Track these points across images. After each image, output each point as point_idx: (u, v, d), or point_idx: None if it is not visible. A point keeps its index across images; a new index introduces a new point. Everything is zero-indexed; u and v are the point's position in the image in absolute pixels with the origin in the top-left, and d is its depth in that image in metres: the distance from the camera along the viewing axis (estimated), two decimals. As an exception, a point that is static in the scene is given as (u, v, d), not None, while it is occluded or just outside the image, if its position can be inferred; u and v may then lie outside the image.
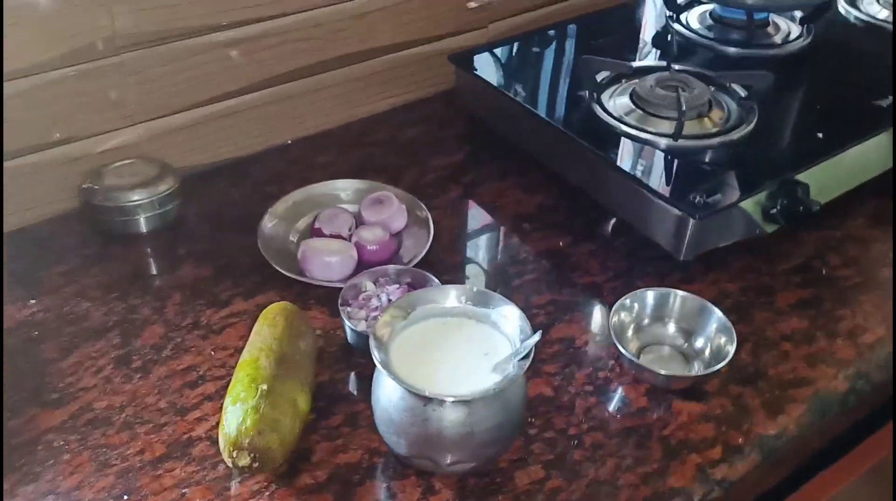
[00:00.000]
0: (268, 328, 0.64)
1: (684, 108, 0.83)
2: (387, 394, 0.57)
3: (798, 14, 1.06)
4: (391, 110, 1.03)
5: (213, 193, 0.88)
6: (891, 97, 0.90)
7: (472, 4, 1.03)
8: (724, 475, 0.62)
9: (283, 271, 0.76)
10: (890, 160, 0.89)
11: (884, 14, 1.09)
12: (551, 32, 1.06)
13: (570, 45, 1.05)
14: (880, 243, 0.84)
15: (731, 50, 1.01)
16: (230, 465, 0.57)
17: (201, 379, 0.68)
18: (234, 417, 0.56)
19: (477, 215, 0.88)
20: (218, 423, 0.62)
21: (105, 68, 0.80)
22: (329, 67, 0.95)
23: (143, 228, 0.82)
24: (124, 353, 0.70)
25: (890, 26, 1.06)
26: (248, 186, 0.90)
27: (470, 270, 0.82)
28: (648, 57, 1.02)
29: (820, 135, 0.85)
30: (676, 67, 0.92)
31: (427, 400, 0.55)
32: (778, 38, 1.03)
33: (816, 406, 0.68)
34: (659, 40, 1.06)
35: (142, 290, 0.76)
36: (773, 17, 1.05)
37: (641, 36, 1.07)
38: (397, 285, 0.73)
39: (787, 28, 1.05)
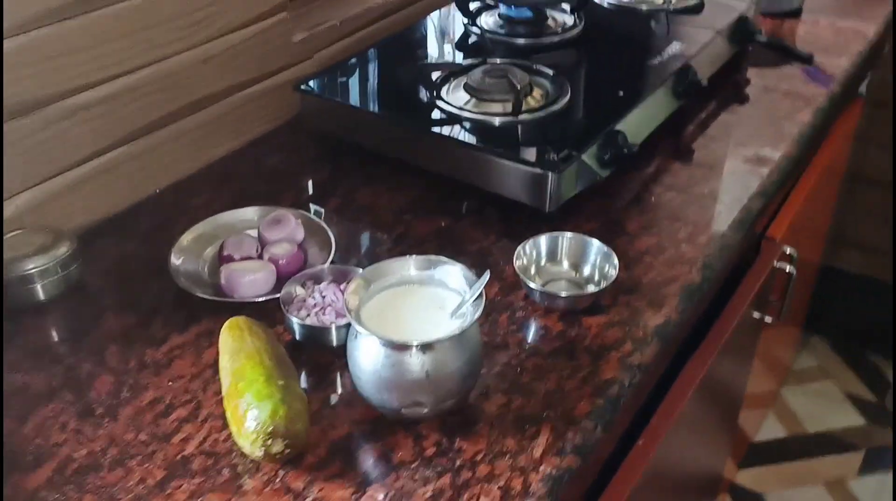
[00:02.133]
0: (249, 336, 0.69)
1: (519, 87, 0.98)
2: (369, 357, 0.65)
3: (567, 6, 1.26)
4: (248, 145, 1.09)
5: (106, 249, 0.90)
6: (659, 56, 1.12)
7: (298, 38, 1.12)
8: (640, 361, 0.77)
9: (211, 298, 0.80)
10: (672, 106, 1.11)
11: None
12: (372, 52, 1.17)
13: (392, 59, 1.17)
14: (685, 169, 1.04)
15: (523, 41, 1.19)
16: (258, 455, 0.62)
17: (170, 407, 0.71)
18: (264, 410, 0.61)
19: (361, 217, 0.97)
20: (206, 438, 0.66)
21: (-26, 145, 0.80)
22: (184, 114, 0.99)
23: (51, 293, 0.81)
24: (83, 406, 0.71)
25: (633, 6, 1.29)
26: (137, 237, 0.92)
27: (374, 260, 0.90)
28: (458, 58, 1.17)
29: (621, 93, 1.04)
30: (497, 60, 1.07)
31: (407, 347, 0.63)
32: (559, 28, 1.22)
33: (684, 295, 0.84)
34: (462, 44, 1.21)
35: (74, 350, 0.77)
36: (550, 12, 1.25)
37: (441, 43, 1.23)
38: (325, 283, 0.80)
39: (563, 19, 1.24)
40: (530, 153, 0.93)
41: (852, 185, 1.82)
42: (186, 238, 0.86)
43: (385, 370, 0.64)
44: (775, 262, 1.13)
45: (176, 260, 0.84)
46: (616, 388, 0.73)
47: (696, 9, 1.28)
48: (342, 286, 0.80)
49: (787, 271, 1.16)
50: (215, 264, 0.86)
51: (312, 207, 0.97)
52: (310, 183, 1.02)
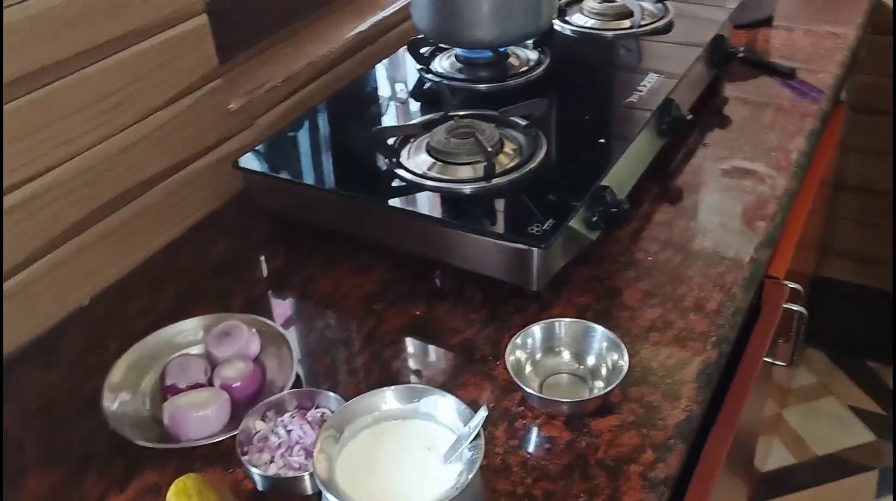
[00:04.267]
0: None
1: (489, 148, 0.86)
2: (350, 531, 0.53)
3: (530, 42, 1.15)
4: (187, 235, 0.96)
5: (27, 382, 0.76)
6: (636, 92, 1.01)
7: (234, 106, 1.00)
8: (666, 473, 0.65)
9: (152, 445, 0.67)
10: (657, 146, 1.00)
11: (591, 23, 1.22)
12: (318, 113, 1.05)
13: (340, 120, 1.05)
14: (678, 218, 0.94)
15: (487, 87, 1.07)
16: None
17: None
18: None
19: (325, 313, 0.85)
20: None
21: None
22: (109, 210, 0.86)
23: (-40, 456, 0.68)
24: None
25: (598, 32, 1.19)
26: (64, 363, 0.79)
27: (344, 369, 0.78)
28: (414, 112, 1.05)
29: (602, 140, 0.93)
30: (458, 113, 0.96)
31: (398, 521, 0.52)
32: (522, 67, 1.11)
33: (702, 380, 0.74)
34: (419, 93, 1.09)
35: (-10, 528, 0.64)
36: (512, 49, 1.14)
37: (395, 94, 1.11)
38: (290, 414, 0.68)
39: (527, 55, 1.13)
40: (510, 226, 0.82)
41: (836, 192, 1.74)
42: (118, 371, 0.73)
43: (370, 546, 0.52)
44: (783, 304, 1.03)
45: (108, 403, 0.71)
46: (643, 516, 0.62)
47: (665, 29, 1.18)
48: (309, 416, 0.68)
49: (796, 311, 1.06)
50: (159, 396, 0.73)
51: (266, 306, 0.85)
52: (262, 274, 0.89)
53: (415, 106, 1.07)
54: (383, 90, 1.12)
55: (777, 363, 1.10)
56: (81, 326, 0.83)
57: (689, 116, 1.03)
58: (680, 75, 1.05)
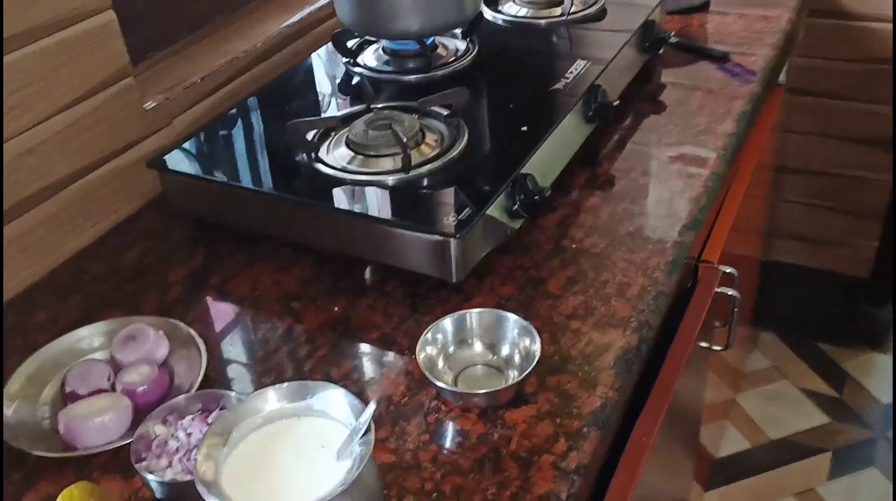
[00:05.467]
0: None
1: (405, 140, 0.84)
2: (237, 536, 0.51)
3: (458, 31, 1.13)
4: (100, 240, 0.93)
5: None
6: (563, 79, 1.00)
7: (150, 104, 0.97)
8: (577, 462, 0.64)
9: (48, 455, 0.64)
10: (584, 133, 0.99)
11: (523, 11, 1.20)
12: (239, 111, 1.03)
13: (263, 117, 1.03)
14: (605, 204, 0.92)
15: (413, 78, 1.05)
16: None
17: None
18: None
19: (241, 313, 0.82)
20: None
21: None
22: (12, 217, 0.83)
23: None
24: None
25: (530, 20, 1.18)
26: (-37, 377, 0.76)
27: (256, 370, 0.76)
28: (340, 106, 1.03)
29: (524, 128, 0.92)
30: (378, 105, 0.94)
31: (284, 524, 0.49)
32: (450, 57, 1.09)
33: (622, 366, 0.72)
34: (345, 87, 1.07)
35: None
36: (440, 40, 1.12)
37: (321, 89, 1.09)
38: (191, 417, 0.65)
39: (455, 46, 1.11)
40: (427, 217, 0.80)
41: (780, 175, 1.74)
42: (16, 381, 0.70)
43: (256, 551, 0.50)
44: (716, 288, 1.02)
45: (7, 409, 0.68)
46: (552, 506, 0.60)
47: (598, 16, 1.17)
48: (211, 419, 0.65)
49: (730, 295, 1.05)
50: (59, 404, 0.70)
51: (179, 309, 0.82)
52: (177, 277, 0.87)
53: (342, 100, 1.05)
54: (309, 86, 1.09)
55: (714, 347, 1.09)
56: (-15, 337, 0.80)
57: (616, 102, 1.02)
58: (607, 61, 1.04)
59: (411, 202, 0.84)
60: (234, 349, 0.78)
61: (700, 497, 1.57)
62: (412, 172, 0.84)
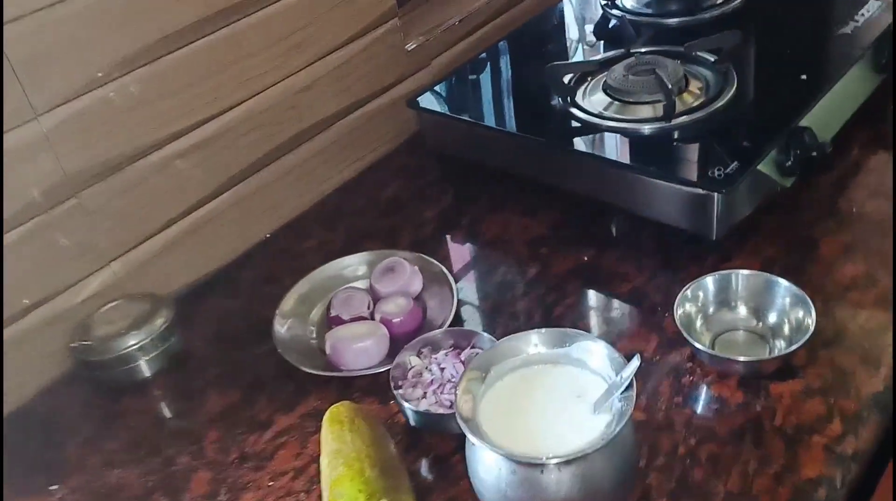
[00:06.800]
0: (350, 434, 0.57)
1: (670, 86, 0.80)
2: (491, 471, 0.51)
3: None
4: (361, 175, 0.97)
5: (209, 311, 0.82)
6: (852, 23, 0.89)
7: (411, 46, 1.00)
8: (855, 448, 0.58)
9: (316, 372, 0.69)
10: (872, 84, 0.88)
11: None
12: (494, 53, 1.03)
13: (517, 61, 1.02)
14: (892, 165, 0.82)
15: (675, 21, 0.99)
16: None
17: (271, 516, 0.61)
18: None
19: (490, 254, 0.83)
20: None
21: (63, 214, 0.73)
22: (286, 149, 0.90)
23: (150, 370, 0.74)
24: (177, 513, 0.63)
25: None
26: (243, 293, 0.83)
27: (504, 311, 0.76)
28: (593, 51, 0.99)
29: (804, 77, 0.83)
30: (640, 50, 0.90)
31: (541, 466, 0.49)
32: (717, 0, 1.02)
33: (909, 347, 0.64)
34: (602, 30, 1.03)
35: (172, 437, 0.69)
36: (707, -21, 1.04)
37: (572, 34, 1.05)
38: (444, 352, 0.67)
39: (723, -15, 1.03)
40: (689, 169, 0.76)
41: None
42: (289, 301, 0.76)
43: (513, 490, 0.51)
44: None
45: (280, 327, 0.74)
46: (823, 491, 0.55)
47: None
48: (464, 356, 0.67)
49: None
50: (324, 326, 0.75)
51: (432, 245, 0.84)
52: (430, 214, 0.89)
53: (599, 44, 1.02)
54: (564, 29, 1.07)
55: None
56: (260, 259, 0.88)
57: (915, 49, 0.90)
58: (907, 0, 0.91)
59: (672, 153, 0.79)
60: (481, 289, 0.79)
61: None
62: (674, 121, 0.80)
